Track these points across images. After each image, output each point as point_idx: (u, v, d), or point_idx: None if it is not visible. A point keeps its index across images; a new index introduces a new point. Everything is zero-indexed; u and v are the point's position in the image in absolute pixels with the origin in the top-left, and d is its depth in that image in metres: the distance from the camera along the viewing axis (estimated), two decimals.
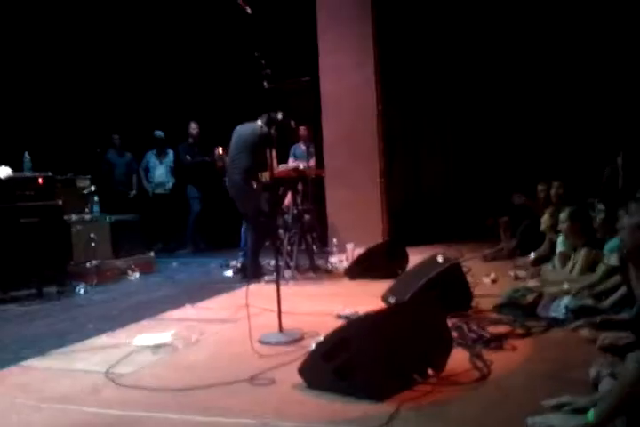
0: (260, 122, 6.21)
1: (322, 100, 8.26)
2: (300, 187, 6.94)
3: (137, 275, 6.84)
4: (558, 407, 2.35)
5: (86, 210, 6.85)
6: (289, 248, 6.48)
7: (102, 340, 4.03)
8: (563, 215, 4.93)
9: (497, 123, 8.97)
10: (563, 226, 4.91)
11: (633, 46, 7.71)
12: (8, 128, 8.02)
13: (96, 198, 6.99)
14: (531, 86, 8.63)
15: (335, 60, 8.12)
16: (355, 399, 2.70)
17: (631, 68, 7.75)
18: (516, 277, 5.33)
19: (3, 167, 5.89)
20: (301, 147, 8.61)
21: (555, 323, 3.72)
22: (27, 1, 8.50)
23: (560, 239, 5.15)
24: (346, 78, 8.08)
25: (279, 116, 6.19)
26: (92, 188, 7.00)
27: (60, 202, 6.18)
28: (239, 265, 6.64)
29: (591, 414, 2.13)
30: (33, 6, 8.52)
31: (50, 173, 6.18)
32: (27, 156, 6.17)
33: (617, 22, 7.91)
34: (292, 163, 7.99)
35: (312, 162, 7.91)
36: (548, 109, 8.60)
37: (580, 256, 4.65)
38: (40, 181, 6.04)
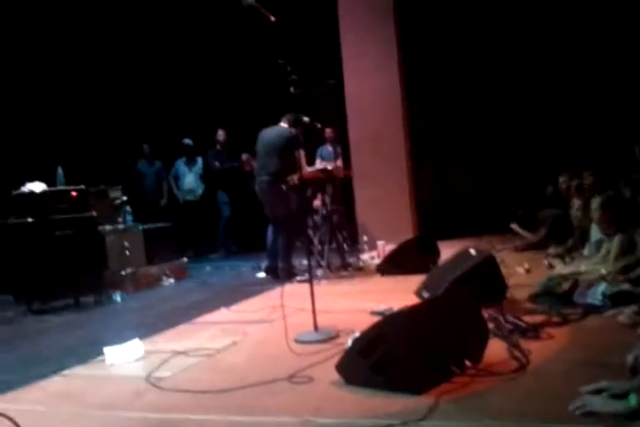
0: (283, 123, 6.26)
1: (347, 101, 8.31)
2: (328, 187, 6.96)
3: (171, 281, 6.95)
4: (596, 393, 2.32)
5: (119, 220, 6.95)
6: (319, 247, 6.50)
7: (141, 346, 4.08)
8: (594, 204, 4.87)
9: (522, 117, 8.95)
10: (595, 215, 4.85)
11: None
12: (41, 144, 8.22)
13: (128, 208, 7.09)
14: (553, 79, 8.62)
15: (359, 62, 8.17)
16: (393, 394, 2.70)
17: None
18: (550, 266, 5.29)
19: (37, 183, 6.03)
20: (328, 148, 8.64)
21: (592, 310, 3.69)
22: (60, 14, 8.68)
23: (593, 227, 5.09)
24: (370, 80, 8.13)
25: (306, 119, 6.24)
26: (124, 198, 7.11)
27: (94, 213, 6.27)
28: (263, 267, 6.68)
29: (633, 399, 2.11)
30: (60, 19, 8.69)
31: (82, 186, 6.29)
32: (59, 170, 6.30)
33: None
34: (319, 164, 8.02)
35: (339, 162, 7.94)
36: (570, 101, 8.56)
37: (614, 243, 4.59)
38: (73, 193, 6.16)
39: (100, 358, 3.70)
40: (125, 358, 3.61)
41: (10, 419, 2.39)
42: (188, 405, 2.87)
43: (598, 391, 2.32)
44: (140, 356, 3.66)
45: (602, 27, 8.15)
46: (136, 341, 3.73)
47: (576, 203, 5.68)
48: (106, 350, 3.62)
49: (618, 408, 2.15)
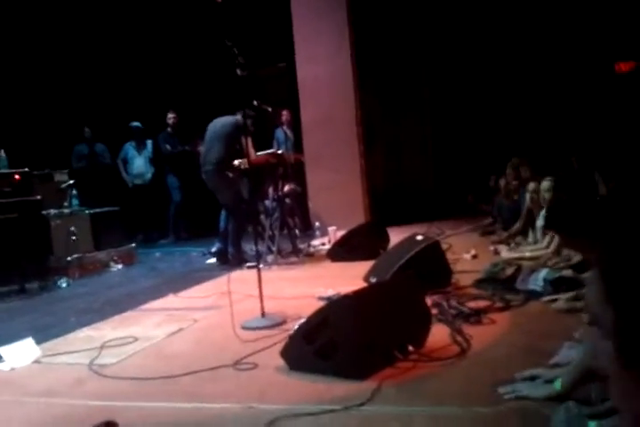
0: (237, 116, 6.23)
1: (299, 85, 8.27)
2: (279, 172, 6.93)
3: (119, 266, 6.84)
4: (530, 379, 2.38)
5: (65, 204, 6.80)
6: (271, 233, 6.49)
7: (85, 333, 4.03)
8: (545, 186, 4.95)
9: (473, 105, 9.05)
10: (545, 197, 4.93)
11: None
12: None
13: (75, 192, 6.94)
14: (502, 70, 8.73)
15: (311, 46, 8.13)
16: (337, 379, 2.72)
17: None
18: (496, 252, 5.38)
19: None
20: (284, 130, 8.59)
21: (533, 295, 3.77)
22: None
23: (542, 213, 5.17)
24: (322, 64, 8.10)
25: (254, 103, 6.19)
26: (71, 181, 6.96)
27: (39, 197, 6.14)
28: (214, 250, 6.65)
29: (558, 383, 2.17)
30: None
31: (26, 169, 6.13)
32: (2, 153, 6.12)
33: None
34: (275, 148, 7.98)
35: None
36: (517, 91, 8.71)
37: None
38: (17, 177, 6.02)
39: (42, 344, 3.63)
40: (21, 359, 3.40)
41: None
42: (130, 392, 2.84)
43: (532, 378, 2.38)
44: (37, 357, 3.46)
45: (551, 26, 8.31)
46: (29, 340, 3.54)
47: (531, 186, 5.72)
48: (1, 350, 3.43)
49: (544, 393, 2.21)
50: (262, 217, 6.78)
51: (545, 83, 8.56)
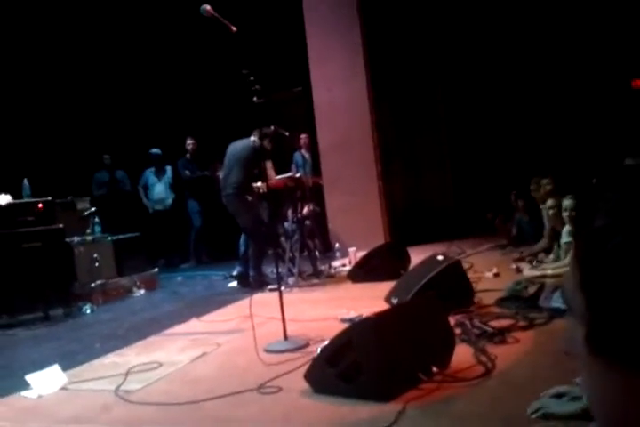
0: (253, 137, 6.29)
1: (315, 109, 8.35)
2: (298, 194, 6.97)
3: (142, 292, 6.89)
4: (557, 397, 2.37)
5: (88, 231, 6.88)
6: (291, 255, 6.51)
7: (110, 359, 4.06)
8: (567, 203, 4.92)
9: (489, 121, 9.06)
10: (568, 214, 4.89)
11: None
12: (6, 157, 8.11)
13: (97, 219, 7.03)
14: (520, 88, 8.75)
15: (326, 69, 8.20)
16: (362, 401, 2.72)
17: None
18: (518, 270, 5.35)
19: (3, 195, 5.95)
20: (302, 154, 8.65)
21: (557, 313, 3.73)
22: (18, 22, 8.60)
23: (566, 229, 5.12)
24: (338, 87, 8.17)
25: (271, 128, 6.26)
26: (93, 209, 7.05)
27: (61, 225, 6.21)
28: (235, 273, 6.68)
29: (584, 401, 2.15)
30: (20, 31, 8.60)
31: (49, 198, 6.23)
32: (26, 182, 6.22)
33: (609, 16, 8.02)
34: (294, 171, 8.04)
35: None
36: (537, 109, 8.70)
37: None
38: (40, 205, 6.09)
39: (68, 371, 3.66)
40: (48, 386, 3.43)
41: None
42: (156, 417, 2.86)
43: (559, 396, 2.36)
44: (64, 383, 3.48)
45: (575, 35, 8.32)
46: (56, 367, 3.57)
47: (549, 203, 5.68)
48: (28, 378, 3.46)
49: (571, 410, 2.20)
50: (282, 239, 6.81)
51: (562, 98, 8.55)
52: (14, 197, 6.03)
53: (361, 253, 6.54)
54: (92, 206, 7.10)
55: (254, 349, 3.66)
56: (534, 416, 2.28)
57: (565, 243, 5.10)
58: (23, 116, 8.73)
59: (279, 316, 3.92)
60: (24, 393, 3.40)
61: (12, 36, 8.52)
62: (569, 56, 8.42)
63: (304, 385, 2.98)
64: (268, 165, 6.03)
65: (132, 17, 9.28)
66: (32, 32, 8.72)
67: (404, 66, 8.86)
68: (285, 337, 3.85)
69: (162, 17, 9.16)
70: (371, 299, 4.72)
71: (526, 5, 8.48)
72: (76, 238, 6.61)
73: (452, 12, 8.78)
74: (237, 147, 6.44)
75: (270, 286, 6.00)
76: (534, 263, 5.50)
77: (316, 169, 8.49)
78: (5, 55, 8.41)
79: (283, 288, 4.32)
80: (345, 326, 3.72)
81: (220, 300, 5.85)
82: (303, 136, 8.63)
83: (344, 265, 6.99)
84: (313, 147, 8.72)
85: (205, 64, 9.47)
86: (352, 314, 4.27)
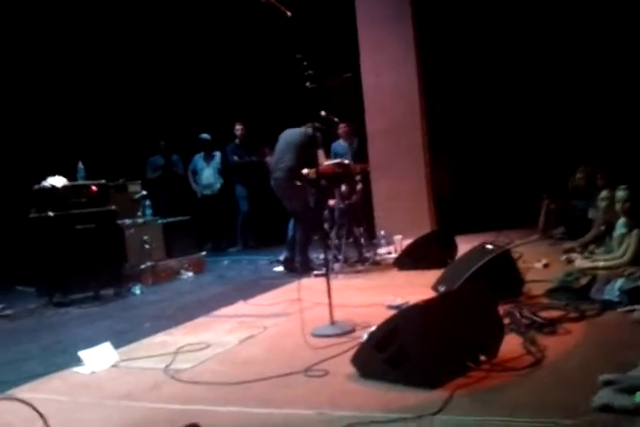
0: (307, 128, 6.32)
1: (364, 95, 8.30)
2: (345, 181, 6.96)
3: (190, 274, 7.01)
4: (609, 384, 2.33)
5: (139, 213, 7.01)
6: (337, 242, 6.52)
7: (159, 338, 4.15)
8: (621, 194, 4.80)
9: (540, 110, 8.86)
10: (623, 205, 4.77)
11: None
12: (61, 139, 8.32)
13: (148, 202, 7.15)
14: (570, 73, 8.52)
15: (376, 56, 8.15)
16: (408, 388, 2.72)
17: None
18: (569, 261, 5.26)
19: (58, 177, 6.10)
20: (341, 144, 8.61)
21: (609, 305, 3.67)
22: (86, 11, 8.78)
23: (620, 221, 4.99)
24: (388, 74, 8.11)
25: (322, 113, 6.26)
26: (144, 192, 7.17)
27: (114, 207, 6.34)
28: (281, 258, 6.73)
29: (638, 396, 2.12)
30: (83, 16, 8.78)
31: (103, 181, 6.35)
32: (80, 165, 6.36)
33: None
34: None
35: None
36: (587, 96, 8.48)
37: (633, 238, 4.57)
38: (94, 188, 6.22)
39: (119, 349, 3.75)
40: (100, 363, 3.53)
41: (32, 407, 2.45)
42: (205, 396, 2.92)
43: (610, 382, 2.33)
44: (115, 361, 3.57)
45: (622, 26, 8.06)
46: (107, 345, 3.67)
47: (603, 194, 5.53)
48: (81, 354, 3.58)
49: (626, 404, 2.16)
50: (326, 226, 6.81)
51: (616, 88, 8.31)
52: (69, 179, 6.18)
53: (407, 242, 6.51)
54: (144, 190, 7.21)
55: (301, 332, 3.70)
56: (594, 405, 2.24)
57: (619, 235, 4.99)
58: (82, 100, 8.94)
59: (325, 301, 3.95)
60: (77, 369, 3.51)
61: (70, 19, 8.70)
62: (612, 47, 8.16)
63: (351, 370, 3.00)
64: (320, 153, 6.06)
65: (187, 0, 9.35)
66: (93, 14, 8.89)
67: (456, 53, 8.73)
68: (332, 322, 3.87)
69: (216, 1, 9.20)
70: (417, 287, 4.71)
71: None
72: (127, 221, 6.75)
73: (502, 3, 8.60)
74: (292, 133, 6.51)
75: (316, 272, 6.05)
76: (585, 254, 5.40)
77: (363, 156, 8.44)
78: (62, 39, 8.60)
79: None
80: (391, 312, 3.72)
81: (267, 284, 5.91)
82: (342, 125, 8.57)
83: (389, 253, 6.97)
84: (361, 133, 8.66)
85: (256, 49, 9.50)
86: (399, 301, 4.26)
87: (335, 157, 8.39)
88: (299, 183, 6.25)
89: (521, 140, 9.07)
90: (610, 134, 8.15)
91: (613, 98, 8.29)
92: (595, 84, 8.40)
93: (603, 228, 5.59)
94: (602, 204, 5.41)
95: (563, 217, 6.84)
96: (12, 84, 8.18)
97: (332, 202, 6.85)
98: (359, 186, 7.23)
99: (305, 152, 6.22)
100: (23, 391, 3.11)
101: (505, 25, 8.68)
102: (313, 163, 5.58)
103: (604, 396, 2.28)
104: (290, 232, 6.64)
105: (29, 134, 8.33)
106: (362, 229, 7.03)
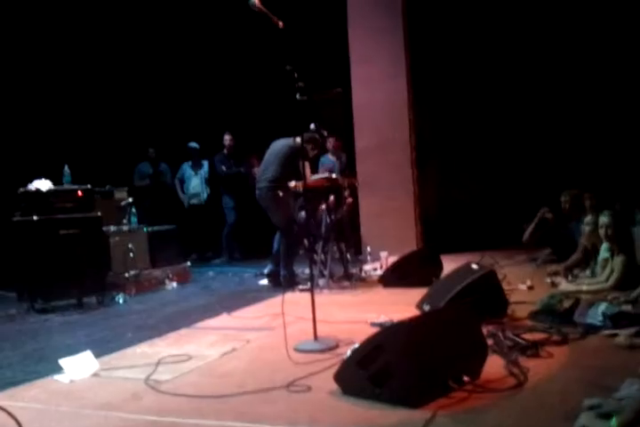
0: (295, 138, 6.32)
1: (354, 109, 8.33)
2: (333, 195, 6.97)
3: (174, 284, 6.97)
4: (593, 408, 2.34)
5: (124, 221, 6.97)
6: (322, 257, 6.51)
7: (141, 349, 4.11)
8: (604, 220, 4.85)
9: (528, 130, 8.92)
10: (606, 231, 4.83)
11: None
12: (48, 142, 8.27)
13: (133, 210, 7.11)
14: (562, 96, 8.58)
15: (367, 70, 8.19)
16: (390, 406, 2.71)
17: None
18: (553, 284, 5.29)
19: (43, 180, 6.04)
20: (329, 158, 8.63)
21: (592, 329, 3.69)
22: (72, 15, 8.78)
23: (604, 246, 5.04)
24: (378, 89, 8.14)
25: (312, 126, 6.28)
26: (130, 199, 7.14)
27: (99, 213, 6.29)
28: (266, 271, 6.71)
29: (614, 421, 2.13)
30: (70, 20, 8.78)
31: (89, 186, 6.31)
32: (66, 169, 6.30)
33: None
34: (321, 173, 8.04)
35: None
36: (574, 121, 8.56)
37: (617, 264, 4.62)
38: (79, 193, 6.17)
39: (100, 358, 3.71)
40: (80, 371, 3.49)
41: (10, 414, 2.41)
42: (184, 408, 2.89)
43: (594, 407, 2.34)
44: (96, 370, 3.54)
45: (615, 44, 8.16)
46: (88, 353, 3.64)
47: (588, 219, 5.59)
48: (61, 362, 3.54)
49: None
50: (312, 240, 6.80)
51: (606, 112, 8.40)
52: (54, 183, 6.11)
53: (393, 258, 6.52)
54: (130, 197, 7.18)
55: (284, 347, 3.68)
56: None
57: (603, 259, 5.03)
58: (72, 104, 8.90)
59: (309, 316, 3.94)
60: (57, 377, 3.47)
61: (56, 23, 8.68)
62: (610, 66, 8.26)
63: (333, 386, 2.99)
64: (306, 164, 6.05)
65: (176, 9, 9.38)
66: (83, 23, 8.89)
67: (446, 68, 8.77)
68: (315, 337, 3.86)
69: (206, 10, 9.23)
70: (401, 305, 4.70)
71: (566, 11, 8.35)
72: (112, 228, 6.71)
73: (498, 13, 8.66)
74: (279, 144, 6.51)
75: (301, 286, 6.03)
76: (569, 278, 5.43)
77: (351, 171, 8.46)
78: (52, 43, 8.59)
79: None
80: (375, 329, 3.72)
81: (251, 297, 5.89)
82: (331, 139, 8.59)
83: (375, 269, 6.97)
84: (350, 149, 8.69)
85: (247, 60, 9.52)
86: (382, 318, 4.26)
87: (324, 170, 8.42)
88: (281, 194, 6.24)
89: (509, 159, 9.12)
90: (597, 156, 8.22)
91: (604, 121, 8.37)
92: (585, 106, 8.48)
93: (581, 254, 5.65)
94: (586, 228, 5.47)
95: (549, 238, 6.86)
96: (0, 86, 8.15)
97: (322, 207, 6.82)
98: (347, 200, 7.25)
99: (290, 163, 6.22)
100: (1, 398, 3.06)
101: (495, 40, 8.73)
102: (299, 175, 5.57)
103: (583, 420, 2.29)
104: (275, 245, 6.62)
105: (15, 136, 8.26)
106: (348, 244, 7.03)
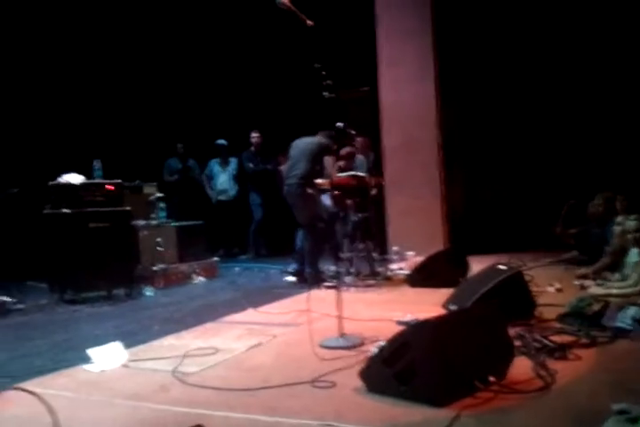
0: (320, 136, 6.36)
1: (382, 109, 8.32)
2: (360, 193, 6.96)
3: (201, 279, 7.03)
4: (622, 413, 2.32)
5: (152, 216, 7.05)
6: (349, 255, 6.52)
7: (168, 341, 4.16)
8: (631, 224, 4.81)
9: (558, 131, 8.82)
10: (634, 235, 4.78)
11: None
12: (79, 137, 8.39)
13: (162, 204, 7.19)
14: (590, 99, 8.46)
15: (395, 72, 8.17)
16: (415, 404, 2.71)
17: None
18: (582, 287, 5.23)
19: (74, 174, 6.14)
20: (358, 157, 8.62)
21: (620, 333, 3.65)
22: (112, 12, 8.90)
23: (634, 250, 4.98)
24: (406, 90, 8.12)
25: (340, 125, 6.28)
26: (159, 194, 7.21)
27: (129, 208, 6.37)
28: (290, 270, 6.75)
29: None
30: (108, 17, 8.90)
31: (119, 180, 6.39)
32: (97, 163, 6.39)
33: None
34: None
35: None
36: (603, 121, 8.43)
37: None
38: (110, 187, 6.24)
39: (128, 350, 3.76)
40: (109, 362, 3.56)
41: (41, 399, 2.46)
42: (211, 401, 2.92)
43: (623, 412, 2.32)
44: (125, 361, 3.60)
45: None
46: (117, 344, 3.71)
47: (619, 219, 5.51)
48: (90, 352, 3.61)
49: None
50: (340, 238, 6.81)
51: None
52: (84, 177, 6.19)
53: (419, 258, 6.50)
54: (160, 192, 7.25)
55: (310, 343, 3.70)
56: None
57: (632, 263, 4.97)
58: (102, 100, 9.02)
59: (334, 313, 3.95)
60: (86, 366, 3.53)
61: (97, 21, 8.81)
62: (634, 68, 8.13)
63: (358, 383, 3.00)
64: (331, 162, 6.09)
65: (208, 6, 9.44)
66: (121, 18, 9.01)
67: (474, 69, 8.71)
68: (341, 334, 3.87)
69: (237, 7, 9.28)
70: (428, 304, 4.70)
71: (596, 13, 8.24)
72: (141, 222, 6.78)
73: (528, 18, 8.58)
74: (305, 142, 6.53)
75: (327, 283, 6.05)
76: (598, 281, 5.37)
77: (378, 170, 8.45)
78: (85, 38, 8.71)
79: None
80: (400, 328, 3.72)
81: (277, 293, 5.92)
82: (359, 139, 8.58)
83: (401, 268, 6.96)
84: (376, 148, 8.68)
85: (276, 57, 9.56)
86: (409, 317, 4.25)
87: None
88: (310, 191, 6.26)
89: (536, 160, 9.03)
90: (627, 157, 8.09)
91: (635, 122, 8.24)
92: (615, 108, 8.36)
93: (610, 257, 5.58)
94: (617, 228, 5.40)
95: (578, 242, 6.79)
96: (33, 80, 8.28)
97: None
98: (374, 197, 7.24)
99: (317, 161, 6.27)
100: (32, 386, 3.12)
101: (525, 42, 8.64)
102: (324, 172, 5.60)
103: (611, 424, 2.27)
104: (298, 243, 6.64)
105: (47, 130, 8.40)
106: (375, 242, 7.03)
